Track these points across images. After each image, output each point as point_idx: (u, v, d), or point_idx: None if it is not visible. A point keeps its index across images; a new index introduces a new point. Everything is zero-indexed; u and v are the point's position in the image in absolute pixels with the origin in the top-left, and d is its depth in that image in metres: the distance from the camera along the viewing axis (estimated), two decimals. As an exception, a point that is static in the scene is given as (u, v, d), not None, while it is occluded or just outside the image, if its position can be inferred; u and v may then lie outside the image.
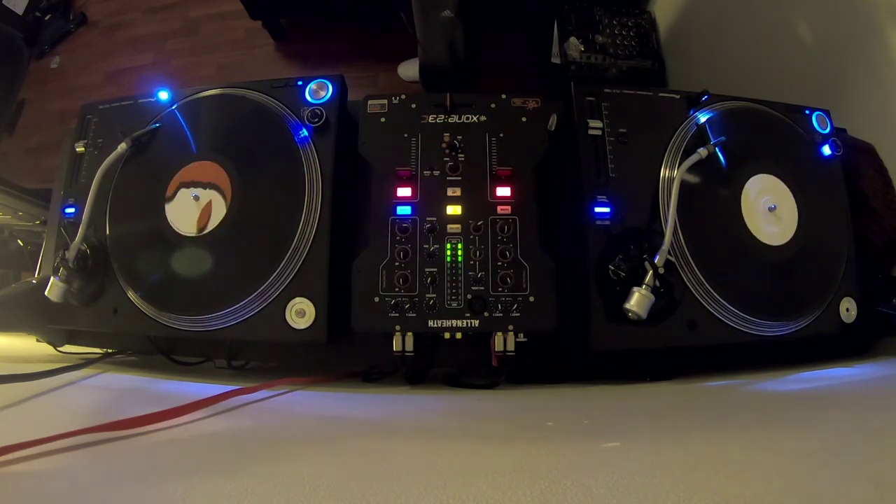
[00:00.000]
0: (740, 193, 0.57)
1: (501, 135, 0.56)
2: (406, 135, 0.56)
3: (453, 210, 0.53)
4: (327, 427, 0.45)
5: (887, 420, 0.38)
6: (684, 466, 0.30)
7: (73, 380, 0.57)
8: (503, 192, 0.54)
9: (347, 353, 0.62)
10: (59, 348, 0.69)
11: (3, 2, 1.85)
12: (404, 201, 0.54)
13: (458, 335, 0.50)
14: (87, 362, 0.62)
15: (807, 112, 0.64)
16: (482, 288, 0.51)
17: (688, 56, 1.31)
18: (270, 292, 0.53)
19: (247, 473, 0.31)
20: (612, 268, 0.53)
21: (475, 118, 0.56)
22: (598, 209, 0.55)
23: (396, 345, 0.50)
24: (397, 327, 0.50)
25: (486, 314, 0.50)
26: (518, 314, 0.50)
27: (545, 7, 1.46)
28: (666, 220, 0.53)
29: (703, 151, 0.55)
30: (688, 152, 0.57)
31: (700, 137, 0.58)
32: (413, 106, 0.57)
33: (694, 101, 0.60)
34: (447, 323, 0.50)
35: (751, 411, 0.46)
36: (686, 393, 0.55)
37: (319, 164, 0.57)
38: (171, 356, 0.64)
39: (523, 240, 0.52)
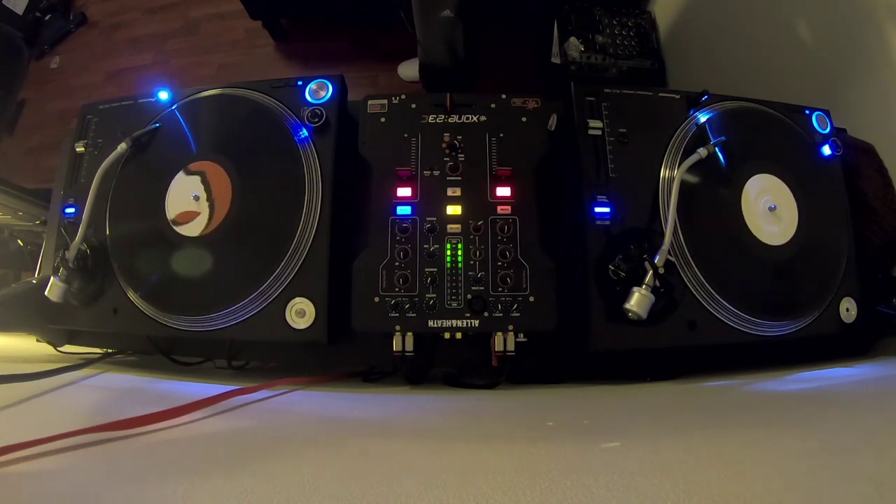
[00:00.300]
0: (740, 193, 0.57)
1: (501, 135, 0.56)
2: (406, 135, 0.56)
3: (453, 210, 0.53)
4: (327, 427, 0.45)
5: (887, 420, 0.38)
6: (684, 466, 0.30)
7: (73, 380, 0.57)
8: (503, 192, 0.54)
9: (347, 353, 0.62)
10: (59, 348, 0.69)
11: (3, 2, 1.85)
12: (404, 201, 0.54)
13: (458, 335, 0.50)
14: (87, 362, 0.62)
15: (807, 112, 0.64)
16: (482, 288, 0.51)
17: (688, 56, 1.31)
18: (270, 292, 0.53)
19: (247, 473, 0.31)
20: (612, 268, 0.53)
21: (475, 118, 0.56)
22: (597, 209, 0.55)
23: (396, 345, 0.50)
24: (397, 327, 0.50)
25: (486, 314, 0.50)
26: (518, 314, 0.50)
27: (545, 7, 1.46)
28: (666, 219, 0.53)
29: (703, 151, 0.55)
30: (688, 152, 0.57)
31: (700, 137, 0.58)
32: (413, 106, 0.57)
33: (694, 101, 0.60)
34: (447, 323, 0.50)
35: (751, 411, 0.46)
36: (686, 393, 0.55)
37: (319, 165, 0.57)
38: (171, 356, 0.64)
39: (523, 240, 0.52)
